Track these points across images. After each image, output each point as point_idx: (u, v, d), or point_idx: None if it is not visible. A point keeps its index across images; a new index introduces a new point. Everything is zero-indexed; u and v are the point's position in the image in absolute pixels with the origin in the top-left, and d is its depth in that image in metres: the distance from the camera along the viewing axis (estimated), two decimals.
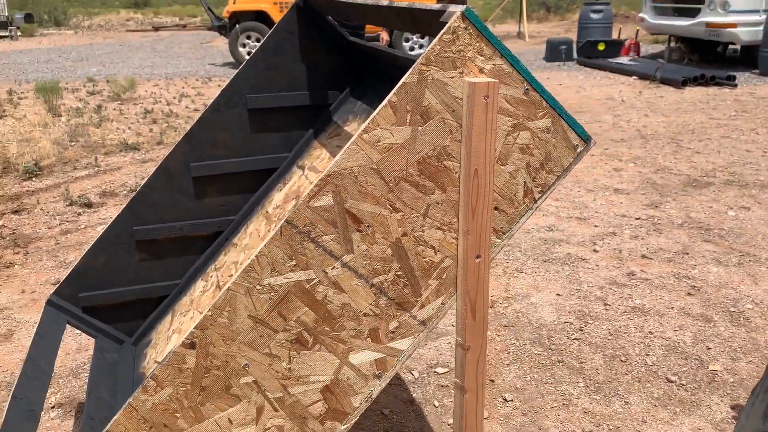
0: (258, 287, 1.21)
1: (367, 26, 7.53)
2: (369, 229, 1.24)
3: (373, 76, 2.48)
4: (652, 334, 3.10)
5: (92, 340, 3.12)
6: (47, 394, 2.78)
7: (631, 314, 3.29)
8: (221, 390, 1.25)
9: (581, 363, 2.89)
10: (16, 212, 4.88)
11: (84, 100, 9.30)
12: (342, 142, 2.36)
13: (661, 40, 14.39)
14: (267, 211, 2.51)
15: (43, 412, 2.67)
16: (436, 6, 1.26)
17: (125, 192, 5.27)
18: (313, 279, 1.24)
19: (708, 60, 11.53)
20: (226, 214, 2.62)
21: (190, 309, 2.46)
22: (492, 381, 2.80)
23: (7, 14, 22.97)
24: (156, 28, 24.80)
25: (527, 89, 1.28)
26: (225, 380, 1.24)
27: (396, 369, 1.35)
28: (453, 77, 1.21)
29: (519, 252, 4.08)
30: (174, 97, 9.46)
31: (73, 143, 6.78)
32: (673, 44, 11.82)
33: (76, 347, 3.15)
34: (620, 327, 3.18)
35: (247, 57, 16.11)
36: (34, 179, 5.65)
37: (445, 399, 2.69)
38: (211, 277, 2.51)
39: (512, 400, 2.66)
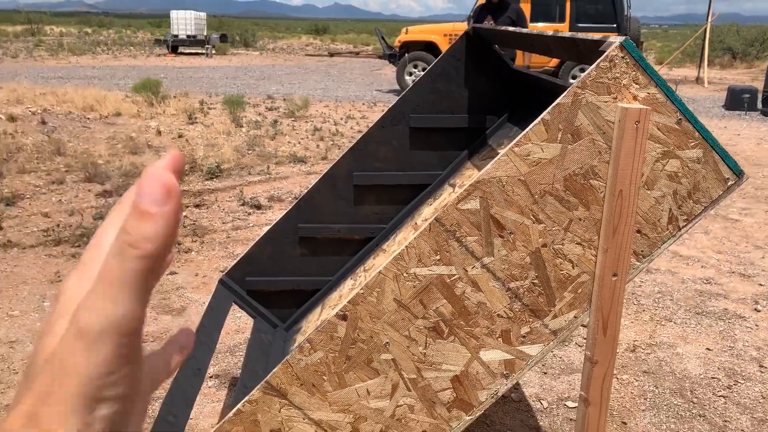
0: (405, 274, 1.36)
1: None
2: (510, 236, 1.35)
3: (534, 103, 2.58)
4: None
5: (249, 324, 3.47)
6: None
7: None
8: (364, 362, 1.40)
9: (725, 421, 2.73)
10: (197, 206, 5.50)
11: (263, 115, 10.19)
12: None
13: None
14: (416, 223, 2.67)
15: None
16: (597, 36, 1.35)
17: (290, 198, 5.74)
18: (454, 275, 1.36)
19: None
20: (379, 222, 2.82)
21: (338, 303, 2.68)
22: (624, 423, 2.73)
23: (205, 34, 25.72)
24: (331, 54, 26.45)
25: (680, 119, 1.32)
26: (368, 353, 1.40)
27: (524, 372, 1.43)
28: (606, 102, 1.29)
29: (670, 300, 3.91)
30: (341, 118, 10.07)
31: (250, 152, 7.48)
32: None
33: (235, 329, 3.50)
34: None
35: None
36: (214, 179, 6.32)
37: None
38: (360, 277, 2.72)
39: None
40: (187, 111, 9.77)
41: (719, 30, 21.93)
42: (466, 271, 1.36)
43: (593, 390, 1.38)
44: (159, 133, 8.35)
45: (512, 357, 1.41)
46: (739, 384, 3.02)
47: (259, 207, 5.47)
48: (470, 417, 1.44)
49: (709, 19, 15.57)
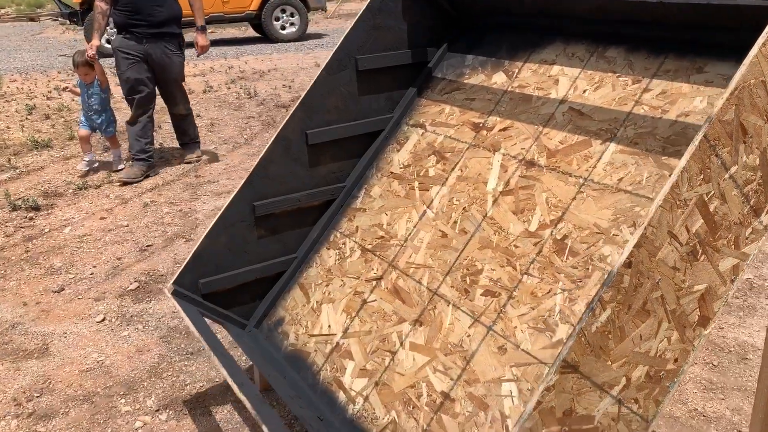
0: (678, 202, 1.27)
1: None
2: (750, 140, 1.34)
3: (478, 27, 2.51)
4: None
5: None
6: None
7: None
8: (640, 306, 1.29)
9: None
10: None
11: None
12: (468, 95, 2.37)
13: None
14: (392, 172, 2.45)
15: None
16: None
17: (72, 190, 4.73)
18: (711, 191, 1.31)
19: None
20: (337, 182, 2.53)
21: (331, 278, 2.35)
22: None
23: None
24: None
25: None
26: (644, 296, 1.28)
27: (743, 274, 1.46)
28: None
29: None
30: (49, 91, 8.53)
31: None
32: None
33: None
34: None
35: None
36: None
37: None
38: (344, 243, 2.41)
39: None
40: None
41: None
42: (719, 184, 1.32)
43: None
44: None
45: (738, 261, 1.43)
46: None
47: (38, 208, 4.41)
48: (708, 330, 1.44)
49: None
